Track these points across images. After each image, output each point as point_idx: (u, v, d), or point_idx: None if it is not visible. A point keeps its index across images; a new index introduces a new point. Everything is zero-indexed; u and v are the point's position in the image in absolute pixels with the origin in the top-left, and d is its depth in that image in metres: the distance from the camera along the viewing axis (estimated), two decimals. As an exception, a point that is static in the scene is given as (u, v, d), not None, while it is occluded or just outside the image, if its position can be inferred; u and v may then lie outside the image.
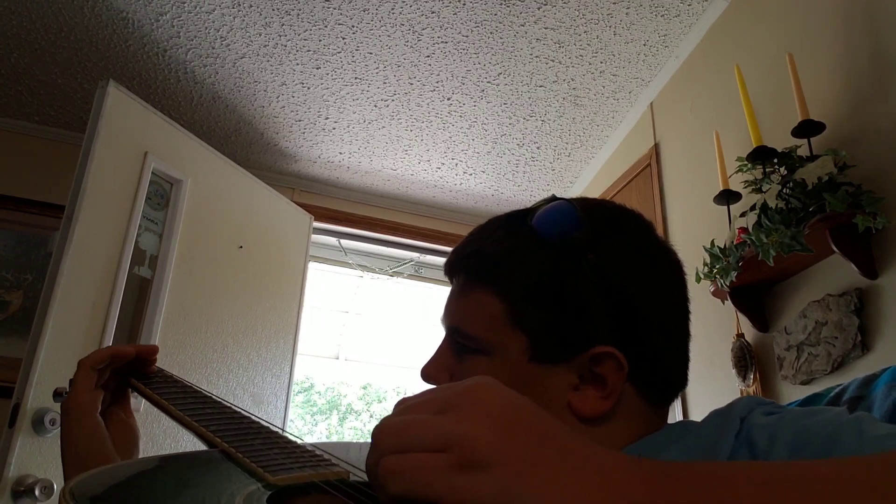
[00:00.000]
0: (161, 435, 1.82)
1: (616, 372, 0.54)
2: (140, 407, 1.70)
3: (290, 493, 0.45)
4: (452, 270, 0.64)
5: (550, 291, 0.56)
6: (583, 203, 0.59)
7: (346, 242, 2.94)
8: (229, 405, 0.65)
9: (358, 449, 0.57)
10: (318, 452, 0.51)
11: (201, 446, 0.57)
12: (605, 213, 0.61)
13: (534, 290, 0.57)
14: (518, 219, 0.61)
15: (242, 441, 0.53)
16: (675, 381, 0.60)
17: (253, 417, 0.60)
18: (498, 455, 0.31)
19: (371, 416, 7.12)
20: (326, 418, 6.96)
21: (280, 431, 0.56)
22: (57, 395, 0.83)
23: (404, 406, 0.36)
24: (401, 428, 0.33)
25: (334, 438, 6.47)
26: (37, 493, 1.51)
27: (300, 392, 6.64)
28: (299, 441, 0.54)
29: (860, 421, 0.44)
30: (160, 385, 0.74)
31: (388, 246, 2.97)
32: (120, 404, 0.81)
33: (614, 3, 1.99)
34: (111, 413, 0.79)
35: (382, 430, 0.34)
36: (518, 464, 0.31)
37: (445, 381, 0.59)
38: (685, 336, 0.61)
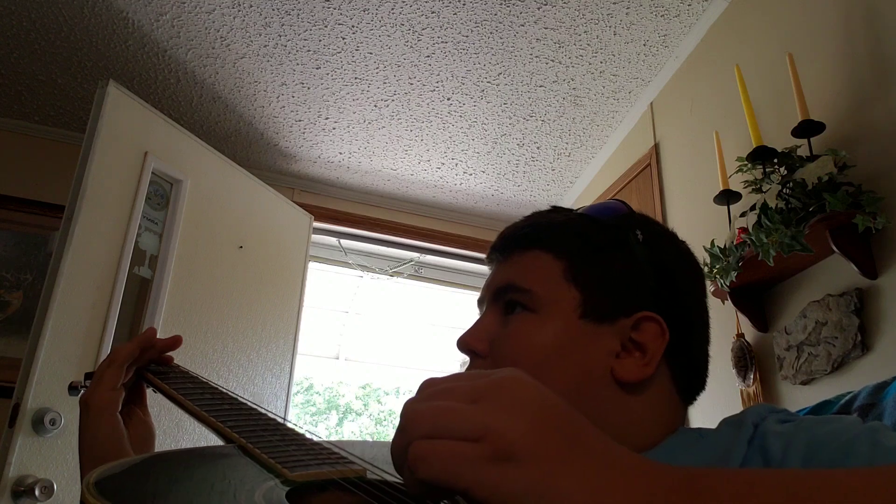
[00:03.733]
0: (161, 435, 1.81)
1: (657, 338, 0.56)
2: (140, 407, 1.70)
3: (308, 490, 0.45)
4: (502, 247, 0.64)
5: (606, 254, 0.60)
6: None
7: (346, 242, 2.94)
8: (246, 401, 0.65)
9: (375, 447, 0.57)
10: (335, 450, 0.51)
11: (203, 443, 0.57)
12: (642, 214, 0.68)
13: (591, 251, 0.60)
14: (565, 208, 0.67)
15: (260, 437, 0.53)
16: (701, 375, 0.62)
17: (270, 414, 0.60)
18: (531, 450, 0.31)
19: (370, 417, 7.12)
20: (325, 418, 6.96)
21: (297, 428, 0.56)
22: (72, 388, 0.83)
23: (433, 390, 0.35)
24: (434, 413, 0.33)
25: (333, 439, 6.48)
26: (37, 493, 1.51)
27: (299, 392, 6.64)
28: (317, 438, 0.54)
29: (875, 431, 0.44)
30: (176, 380, 0.73)
31: (388, 246, 2.97)
32: (137, 402, 0.81)
33: (614, 3, 1.99)
34: (129, 411, 0.79)
35: (414, 414, 0.33)
36: (550, 460, 0.31)
37: (484, 349, 0.59)
38: (708, 334, 0.64)
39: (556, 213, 0.66)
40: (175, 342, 0.80)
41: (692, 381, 0.61)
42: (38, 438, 1.56)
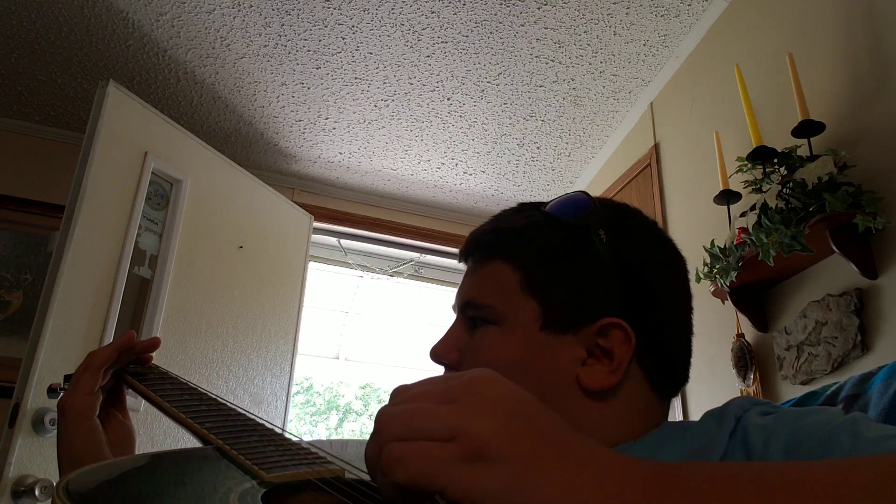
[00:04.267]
0: (161, 435, 1.82)
1: (623, 344, 0.55)
2: (140, 407, 1.70)
3: (285, 491, 0.45)
4: (467, 252, 0.65)
5: (565, 261, 0.58)
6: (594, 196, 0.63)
7: (346, 242, 2.94)
8: (225, 402, 0.64)
9: (354, 446, 0.57)
10: (313, 450, 0.51)
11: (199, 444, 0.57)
12: (616, 204, 0.64)
13: (549, 260, 0.59)
14: (531, 205, 0.65)
15: (238, 438, 0.53)
16: (679, 369, 0.60)
17: (248, 414, 0.60)
18: (505, 449, 0.31)
19: (370, 417, 7.12)
20: (325, 419, 6.96)
21: (276, 429, 0.56)
22: (52, 391, 0.82)
23: (405, 395, 0.35)
24: (406, 416, 0.33)
25: (334, 438, 6.47)
26: (37, 493, 1.51)
27: (299, 393, 6.64)
28: (295, 439, 0.54)
29: (855, 422, 0.44)
30: (155, 381, 0.72)
31: (388, 246, 2.97)
32: (117, 405, 0.80)
33: (614, 3, 1.99)
34: (108, 414, 0.78)
35: (386, 418, 0.33)
36: (525, 460, 0.31)
37: (454, 359, 0.60)
38: (689, 326, 0.62)
39: (520, 215, 0.64)
40: (154, 344, 0.79)
41: (669, 378, 0.60)
42: (38, 438, 1.56)
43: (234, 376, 2.13)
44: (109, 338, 1.73)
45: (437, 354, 0.61)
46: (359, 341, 4.42)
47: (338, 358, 4.58)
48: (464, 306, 0.62)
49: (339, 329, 4.27)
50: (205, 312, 2.07)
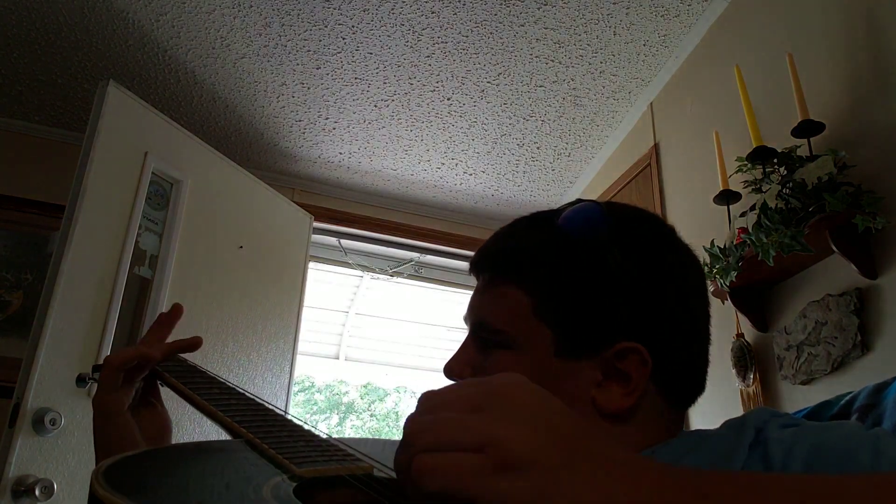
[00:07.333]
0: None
1: (640, 368, 0.55)
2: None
3: (316, 486, 0.45)
4: (478, 268, 0.64)
5: (577, 286, 0.57)
6: (608, 205, 0.61)
7: (346, 242, 2.94)
8: (253, 397, 0.65)
9: (382, 446, 0.57)
10: (342, 447, 0.51)
11: (202, 438, 0.57)
12: (630, 214, 0.63)
13: (561, 285, 0.58)
14: (544, 219, 0.63)
15: (268, 433, 0.53)
16: (695, 384, 0.60)
17: (278, 410, 0.61)
18: (534, 457, 0.31)
19: (372, 416, 7.12)
20: (327, 417, 6.96)
21: (304, 425, 0.56)
22: (80, 380, 0.84)
23: (433, 402, 0.35)
24: (435, 426, 0.33)
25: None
26: (37, 493, 1.51)
27: (300, 391, 6.65)
28: (324, 435, 0.54)
29: (877, 438, 0.44)
30: (186, 375, 0.74)
31: (388, 246, 2.97)
32: (152, 393, 0.81)
33: (614, 3, 1.99)
34: (144, 402, 0.79)
35: (415, 427, 0.34)
36: (554, 467, 0.31)
37: (468, 377, 0.59)
38: (706, 338, 0.61)
39: (531, 232, 0.62)
40: (193, 344, 0.81)
41: (686, 392, 0.59)
42: (38, 438, 1.56)
43: (234, 376, 2.13)
44: (109, 338, 1.73)
45: (451, 371, 0.61)
46: (359, 341, 4.42)
47: (338, 358, 4.58)
48: (476, 327, 0.61)
49: (339, 329, 4.27)
50: (205, 312, 2.07)
